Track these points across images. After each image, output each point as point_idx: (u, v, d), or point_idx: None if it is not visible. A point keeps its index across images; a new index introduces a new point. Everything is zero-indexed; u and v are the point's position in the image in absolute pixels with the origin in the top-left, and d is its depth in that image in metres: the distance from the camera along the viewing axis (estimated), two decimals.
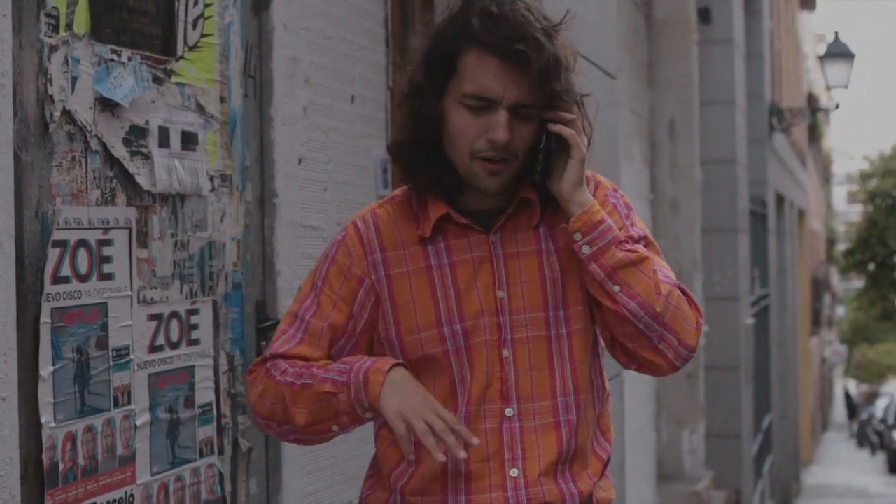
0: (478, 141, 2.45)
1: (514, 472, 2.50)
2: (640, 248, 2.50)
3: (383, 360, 2.46)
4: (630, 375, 7.57)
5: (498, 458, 2.50)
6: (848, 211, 53.34)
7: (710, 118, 10.24)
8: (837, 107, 20.04)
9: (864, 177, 24.02)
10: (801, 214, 22.91)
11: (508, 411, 2.51)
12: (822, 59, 18.72)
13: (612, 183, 2.68)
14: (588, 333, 2.57)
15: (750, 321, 11.50)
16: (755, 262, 12.91)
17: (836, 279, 39.66)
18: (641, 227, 2.61)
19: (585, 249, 2.46)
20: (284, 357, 2.56)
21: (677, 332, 2.49)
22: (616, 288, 2.46)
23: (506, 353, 2.51)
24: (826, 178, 37.10)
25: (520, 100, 2.42)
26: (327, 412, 2.48)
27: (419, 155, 2.53)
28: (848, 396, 47.18)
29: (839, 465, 27.96)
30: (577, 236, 2.46)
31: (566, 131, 2.47)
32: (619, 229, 2.52)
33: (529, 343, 2.52)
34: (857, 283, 29.52)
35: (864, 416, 40.01)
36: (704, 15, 10.18)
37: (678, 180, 9.15)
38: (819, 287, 28.72)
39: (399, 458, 2.55)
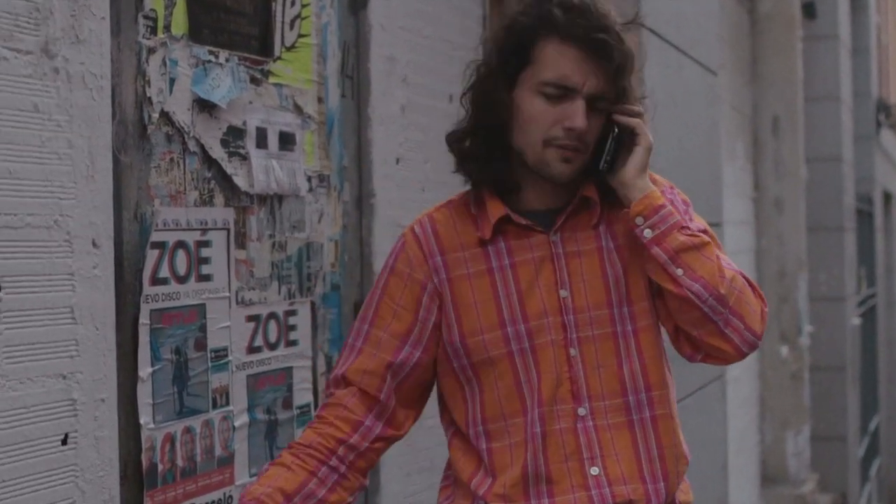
0: (553, 128, 2.44)
1: (594, 471, 2.46)
2: (701, 234, 2.48)
3: None
4: (733, 377, 7.48)
5: (576, 458, 2.47)
6: None
7: (816, 115, 10.09)
8: None
9: None
10: None
11: (581, 410, 2.48)
12: None
13: (669, 182, 2.65)
14: (656, 330, 2.54)
15: (857, 321, 11.32)
16: (862, 261, 12.71)
17: None
18: (700, 222, 2.58)
19: (647, 233, 2.43)
20: (341, 380, 2.54)
21: (743, 316, 2.45)
22: (679, 271, 2.42)
23: (573, 352, 2.48)
24: None
25: (597, 90, 2.43)
26: None
27: (480, 146, 2.52)
28: None
29: None
30: (639, 220, 2.44)
31: (633, 121, 2.47)
32: None
33: (595, 341, 2.49)
34: None
35: None
36: (809, 10, 10.04)
37: (782, 178, 9.03)
38: None
39: (476, 466, 2.53)
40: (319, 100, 3.31)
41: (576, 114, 2.42)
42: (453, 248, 2.54)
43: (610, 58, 2.41)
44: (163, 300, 2.70)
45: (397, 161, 3.68)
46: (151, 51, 2.68)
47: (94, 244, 2.44)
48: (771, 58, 9.02)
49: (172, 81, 2.74)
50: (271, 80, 3.10)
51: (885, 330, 15.81)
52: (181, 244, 2.76)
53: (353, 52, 3.52)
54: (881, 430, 14.92)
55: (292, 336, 3.18)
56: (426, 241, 2.55)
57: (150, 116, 2.67)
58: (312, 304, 3.27)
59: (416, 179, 3.79)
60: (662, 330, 2.59)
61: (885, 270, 16.31)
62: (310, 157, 3.26)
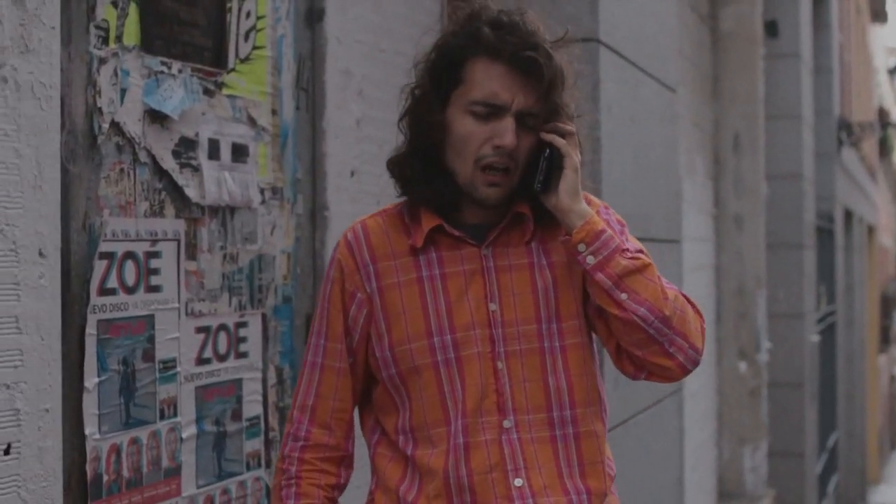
0: (483, 147, 2.46)
1: (518, 482, 2.48)
2: (642, 255, 2.50)
3: None
4: (690, 392, 7.50)
5: (500, 469, 2.48)
6: None
7: (777, 133, 10.12)
8: None
9: None
10: (871, 230, 22.64)
11: (506, 423, 2.50)
12: (892, 72, 18.56)
13: (604, 202, 2.67)
14: (585, 348, 2.56)
15: (815, 338, 11.37)
16: (822, 278, 12.77)
17: None
18: (636, 243, 2.59)
19: (590, 260, 2.45)
20: (304, 447, 2.59)
21: (686, 334, 2.49)
22: (623, 296, 2.44)
23: (500, 365, 2.50)
24: None
25: (526, 107, 2.44)
26: None
27: (418, 168, 2.53)
28: None
29: None
30: (581, 247, 2.45)
31: (558, 140, 2.48)
32: None
33: (522, 356, 2.51)
34: None
35: None
36: (771, 28, 10.09)
37: (742, 195, 9.06)
38: (889, 303, 28.38)
39: (402, 472, 2.55)
40: (273, 112, 3.32)
41: (505, 131, 2.43)
42: (385, 257, 2.56)
43: (540, 74, 2.42)
44: (110, 311, 2.69)
45: (352, 174, 3.68)
46: (103, 61, 2.68)
47: (40, 254, 2.43)
48: (732, 75, 9.05)
49: (124, 92, 2.74)
50: (225, 91, 3.10)
51: (844, 347, 15.88)
52: (130, 255, 2.76)
53: (309, 64, 3.52)
54: (839, 446, 14.98)
55: (242, 348, 3.17)
56: (359, 249, 2.57)
57: (100, 127, 2.67)
58: (264, 315, 3.26)
59: (371, 192, 3.79)
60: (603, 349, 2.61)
61: (845, 288, 16.39)
62: (263, 169, 3.26)
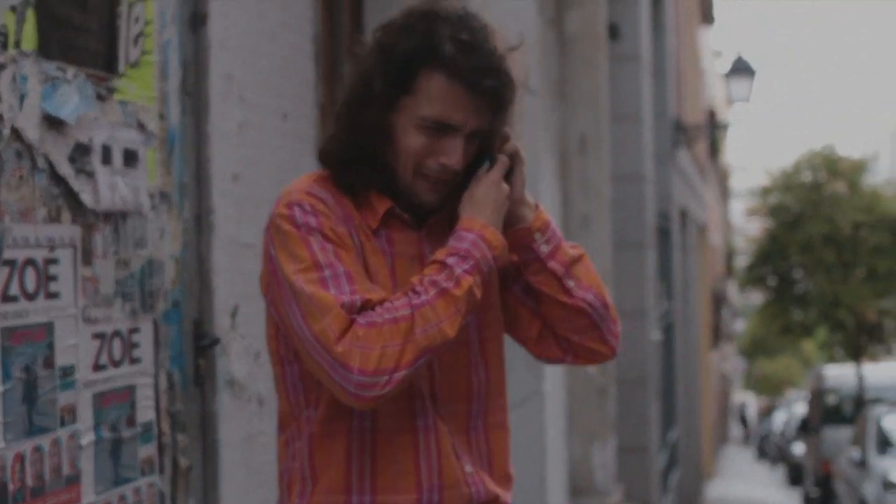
0: (428, 160, 2.42)
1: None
2: (576, 245, 2.59)
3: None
4: (547, 391, 7.62)
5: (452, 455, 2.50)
6: (745, 226, 53.99)
7: (619, 134, 10.35)
8: (735, 123, 20.39)
9: (766, 192, 24.01)
10: (702, 229, 23.17)
11: (432, 408, 2.51)
12: (726, 75, 19.11)
13: None
14: (498, 341, 2.61)
15: (657, 336, 11.62)
16: (660, 277, 13.06)
17: (734, 293, 40.12)
18: None
19: (544, 248, 2.52)
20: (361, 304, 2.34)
21: (616, 320, 2.61)
22: (571, 283, 2.53)
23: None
24: (724, 193, 37.59)
25: (477, 128, 2.43)
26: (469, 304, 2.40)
27: (357, 159, 2.45)
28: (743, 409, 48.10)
29: (739, 477, 28.34)
30: (538, 236, 2.52)
31: (510, 146, 2.50)
32: None
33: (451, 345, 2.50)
34: (756, 297, 29.61)
35: (763, 429, 40.60)
36: (613, 31, 10.29)
37: (589, 196, 9.22)
38: (719, 301, 29.08)
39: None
40: (161, 117, 3.31)
41: (454, 151, 2.41)
42: (346, 220, 2.43)
43: (497, 100, 2.41)
44: (13, 318, 2.67)
45: (234, 178, 3.69)
46: (2, 67, 2.65)
47: None
48: (578, 77, 9.20)
49: (23, 98, 2.71)
50: (116, 96, 3.09)
51: (681, 344, 16.26)
52: (30, 261, 2.74)
53: (193, 69, 3.52)
54: (679, 442, 15.33)
55: (136, 353, 3.16)
56: (331, 203, 2.42)
57: (1, 133, 2.64)
58: (154, 321, 3.25)
59: (252, 197, 3.80)
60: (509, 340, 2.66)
61: (682, 286, 16.78)
62: (152, 175, 3.26)
